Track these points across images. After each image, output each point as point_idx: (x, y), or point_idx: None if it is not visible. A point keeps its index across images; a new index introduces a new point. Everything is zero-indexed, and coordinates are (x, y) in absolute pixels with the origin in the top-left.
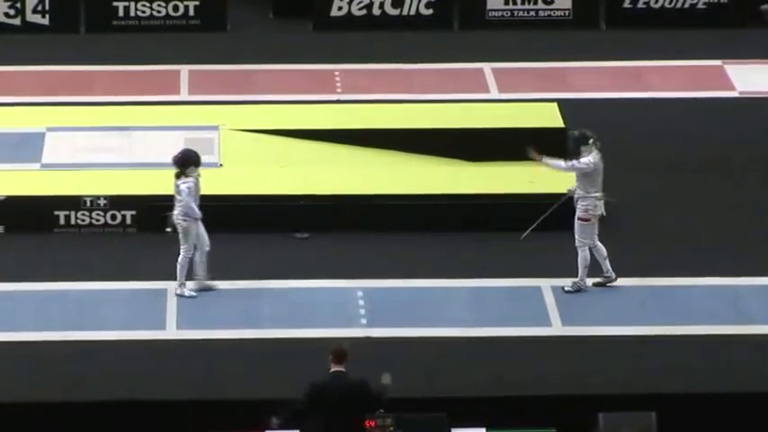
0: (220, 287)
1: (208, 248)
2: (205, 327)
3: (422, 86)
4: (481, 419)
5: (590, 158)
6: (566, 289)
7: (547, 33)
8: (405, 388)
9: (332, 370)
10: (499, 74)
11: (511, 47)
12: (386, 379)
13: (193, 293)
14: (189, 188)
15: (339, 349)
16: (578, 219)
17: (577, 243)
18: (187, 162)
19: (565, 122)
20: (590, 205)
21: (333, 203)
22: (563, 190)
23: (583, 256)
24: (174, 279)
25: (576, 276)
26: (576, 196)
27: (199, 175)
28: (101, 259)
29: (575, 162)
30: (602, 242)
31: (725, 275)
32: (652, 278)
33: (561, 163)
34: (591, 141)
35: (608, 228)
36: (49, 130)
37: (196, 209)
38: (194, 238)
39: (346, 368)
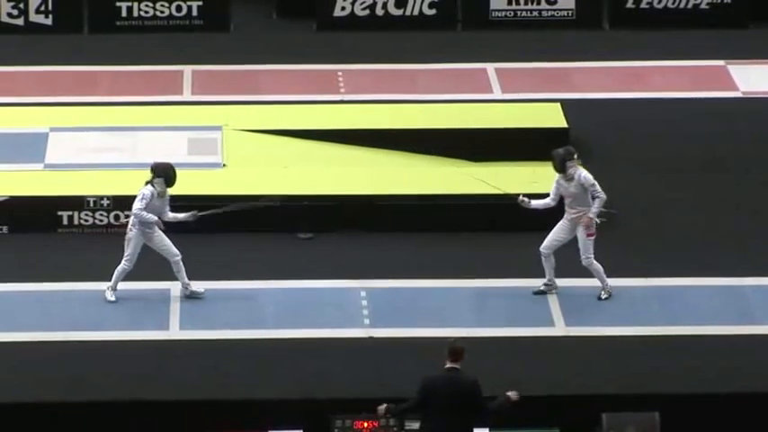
0: (205, 292)
1: (177, 258)
2: (208, 327)
3: (425, 87)
4: (485, 419)
5: (587, 173)
6: (602, 296)
7: (550, 33)
8: (408, 389)
9: (447, 366)
10: (502, 74)
11: (514, 47)
12: (513, 395)
13: (113, 298)
14: (144, 196)
15: (454, 347)
16: (589, 236)
17: (587, 261)
18: (158, 171)
19: (568, 123)
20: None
21: (336, 204)
22: None
23: (595, 269)
24: (178, 280)
25: (601, 284)
26: (576, 214)
27: (166, 193)
28: (104, 259)
29: (596, 185)
30: (601, 242)
31: (726, 275)
32: (653, 278)
33: (602, 195)
34: (575, 156)
35: (608, 228)
36: (53, 130)
37: (147, 216)
38: (135, 249)
39: (461, 366)
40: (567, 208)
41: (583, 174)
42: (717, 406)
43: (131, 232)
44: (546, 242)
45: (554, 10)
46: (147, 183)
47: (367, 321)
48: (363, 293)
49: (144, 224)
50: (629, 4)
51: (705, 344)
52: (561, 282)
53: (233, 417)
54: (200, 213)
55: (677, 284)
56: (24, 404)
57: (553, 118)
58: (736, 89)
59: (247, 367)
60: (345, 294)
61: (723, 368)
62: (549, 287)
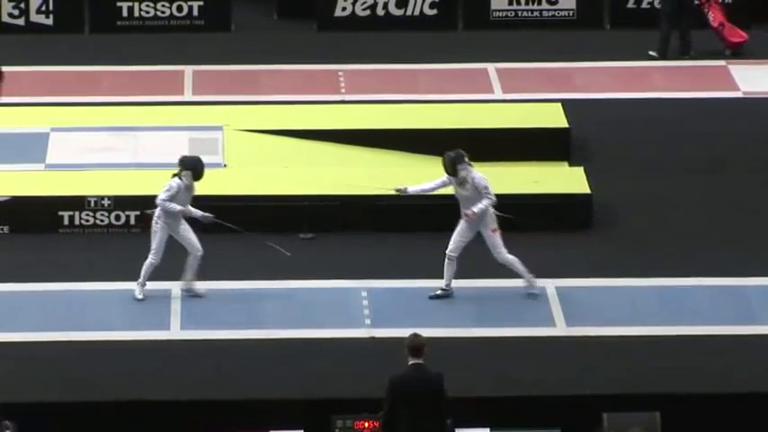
0: (205, 292)
1: (199, 254)
2: (209, 327)
3: (426, 87)
4: (485, 420)
5: (480, 175)
6: (530, 293)
7: (551, 33)
8: None
9: (410, 363)
10: (503, 74)
11: (515, 47)
12: None
13: (141, 296)
14: (170, 187)
15: (415, 343)
16: (492, 231)
17: (499, 257)
18: (187, 164)
19: (569, 123)
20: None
21: (337, 204)
22: (567, 190)
23: (510, 262)
24: (181, 280)
25: (523, 278)
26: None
27: (193, 187)
28: (105, 260)
29: (489, 188)
30: (601, 242)
31: (726, 275)
32: (654, 278)
33: (492, 197)
34: (466, 159)
35: (608, 228)
36: (54, 130)
37: (170, 206)
38: (161, 242)
39: (424, 360)
40: (462, 209)
41: (476, 176)
42: (717, 406)
43: (156, 225)
44: (452, 245)
45: (555, 10)
46: (174, 175)
47: (368, 321)
48: (364, 293)
49: (169, 215)
50: (630, 5)
51: (705, 344)
52: (562, 282)
53: (233, 417)
54: (216, 220)
55: (677, 284)
56: (24, 404)
57: (554, 118)
58: (737, 89)
59: (248, 367)
60: (346, 294)
61: (723, 368)
62: (447, 292)
